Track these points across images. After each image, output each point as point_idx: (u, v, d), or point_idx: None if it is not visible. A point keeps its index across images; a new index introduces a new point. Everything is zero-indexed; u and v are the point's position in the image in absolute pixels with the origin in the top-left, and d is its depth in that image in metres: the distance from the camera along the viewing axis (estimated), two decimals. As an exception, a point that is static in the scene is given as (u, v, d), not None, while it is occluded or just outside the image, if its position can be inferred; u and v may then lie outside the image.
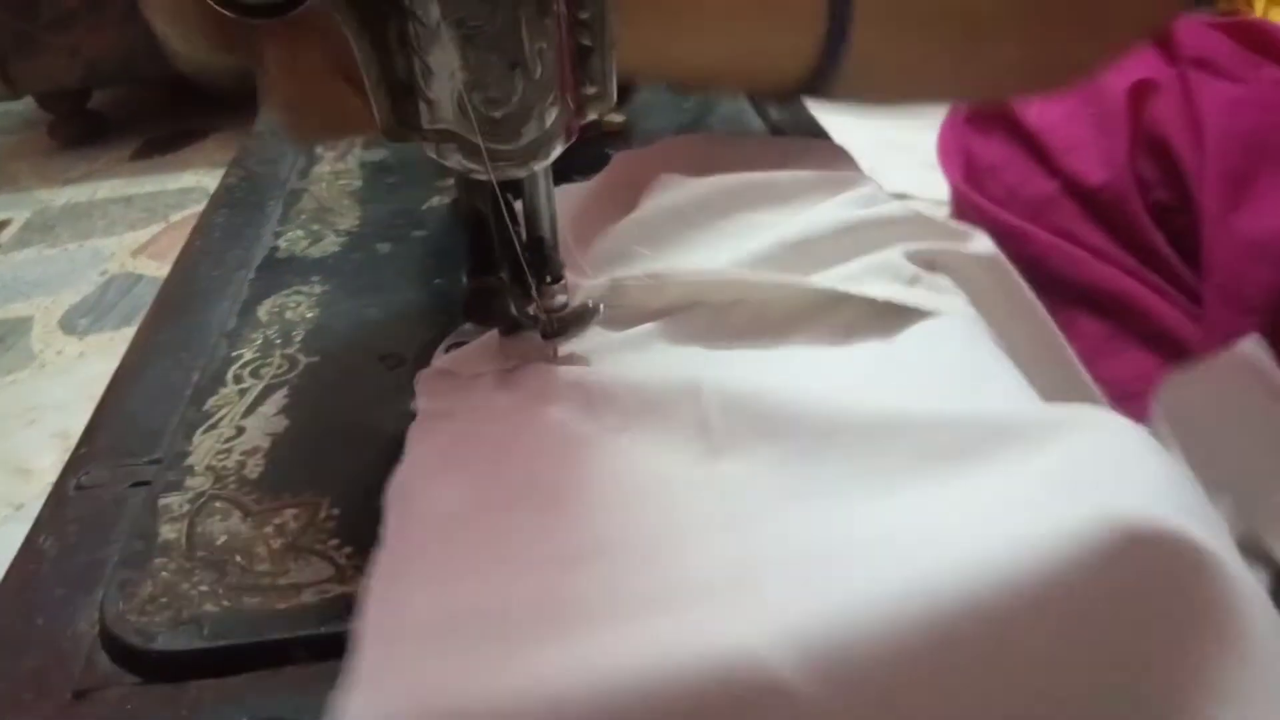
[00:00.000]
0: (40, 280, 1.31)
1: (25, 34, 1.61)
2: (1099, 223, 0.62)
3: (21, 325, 1.20)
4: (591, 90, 0.28)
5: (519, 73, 0.26)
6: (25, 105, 1.84)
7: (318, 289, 0.37)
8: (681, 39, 0.35)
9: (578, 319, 0.30)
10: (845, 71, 0.36)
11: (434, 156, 0.27)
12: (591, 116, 0.28)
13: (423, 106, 0.27)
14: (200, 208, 1.39)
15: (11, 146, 1.82)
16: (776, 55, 0.37)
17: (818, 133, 0.47)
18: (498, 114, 0.26)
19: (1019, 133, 0.67)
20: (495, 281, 0.29)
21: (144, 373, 0.34)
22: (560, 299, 0.30)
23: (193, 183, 1.54)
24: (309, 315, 0.35)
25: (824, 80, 0.37)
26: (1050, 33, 0.37)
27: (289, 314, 0.35)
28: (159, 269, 1.28)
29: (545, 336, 0.30)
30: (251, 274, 0.39)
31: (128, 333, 1.15)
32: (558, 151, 0.27)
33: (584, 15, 0.27)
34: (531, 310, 0.30)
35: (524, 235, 0.29)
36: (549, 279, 0.29)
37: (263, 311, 0.36)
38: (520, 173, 0.27)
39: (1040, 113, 0.66)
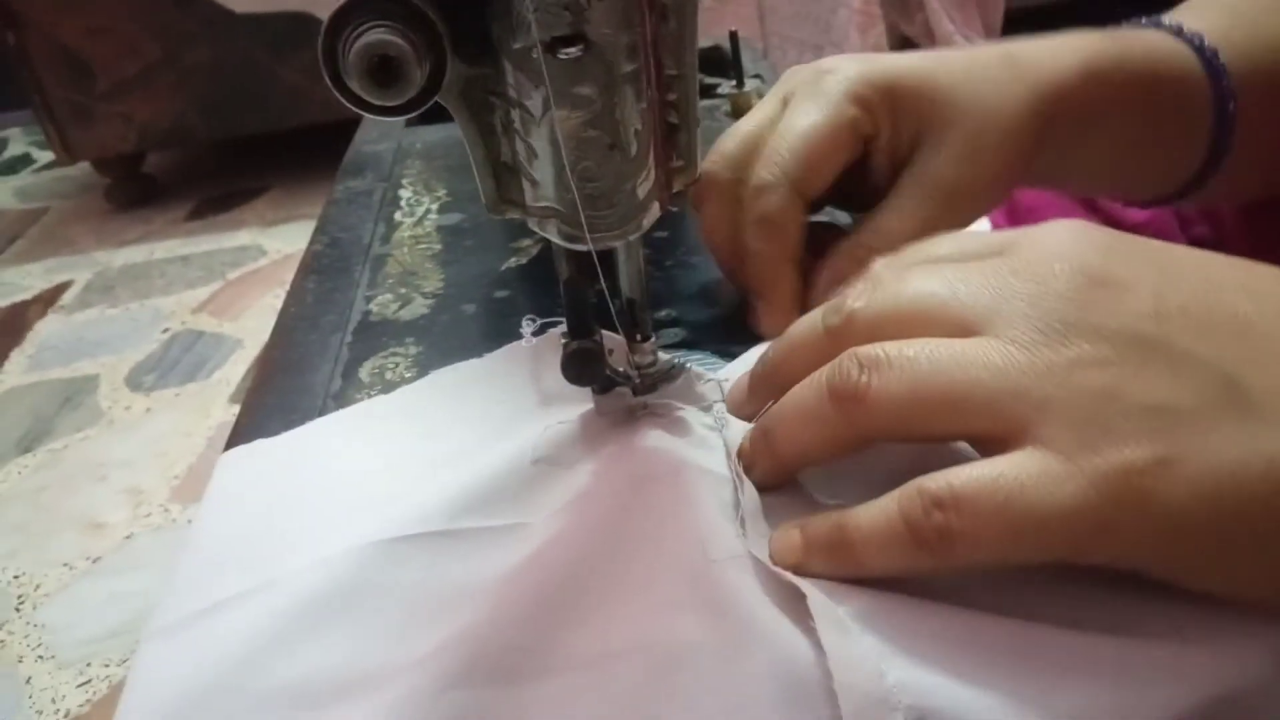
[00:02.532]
0: (103, 339, 1.36)
1: (81, 105, 1.68)
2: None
3: (88, 383, 1.25)
4: (679, 164, 0.30)
5: (616, 152, 0.28)
6: (81, 170, 1.92)
7: (413, 350, 0.39)
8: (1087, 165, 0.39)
9: (665, 376, 0.32)
10: (1217, 181, 0.40)
11: (537, 230, 0.30)
12: (678, 188, 0.31)
13: (525, 185, 0.29)
14: (255, 265, 1.44)
15: (70, 210, 1.90)
16: (1174, 167, 0.40)
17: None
18: (596, 190, 0.28)
19: None
20: (591, 344, 0.31)
21: (254, 438, 0.36)
22: (650, 357, 0.32)
23: (247, 241, 1.60)
24: (408, 375, 0.38)
25: (1199, 189, 0.41)
26: None
27: (389, 374, 0.38)
28: (219, 326, 1.33)
29: (636, 393, 0.32)
30: (348, 337, 0.41)
31: (193, 388, 1.19)
32: (650, 221, 0.30)
33: (672, 97, 0.29)
34: (623, 368, 0.32)
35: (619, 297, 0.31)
36: (639, 338, 0.32)
37: (364, 373, 0.38)
38: (616, 242, 0.30)
39: None
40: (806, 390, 0.26)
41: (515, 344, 0.35)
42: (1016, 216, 0.70)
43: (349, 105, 0.26)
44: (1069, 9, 1.66)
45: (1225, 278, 0.24)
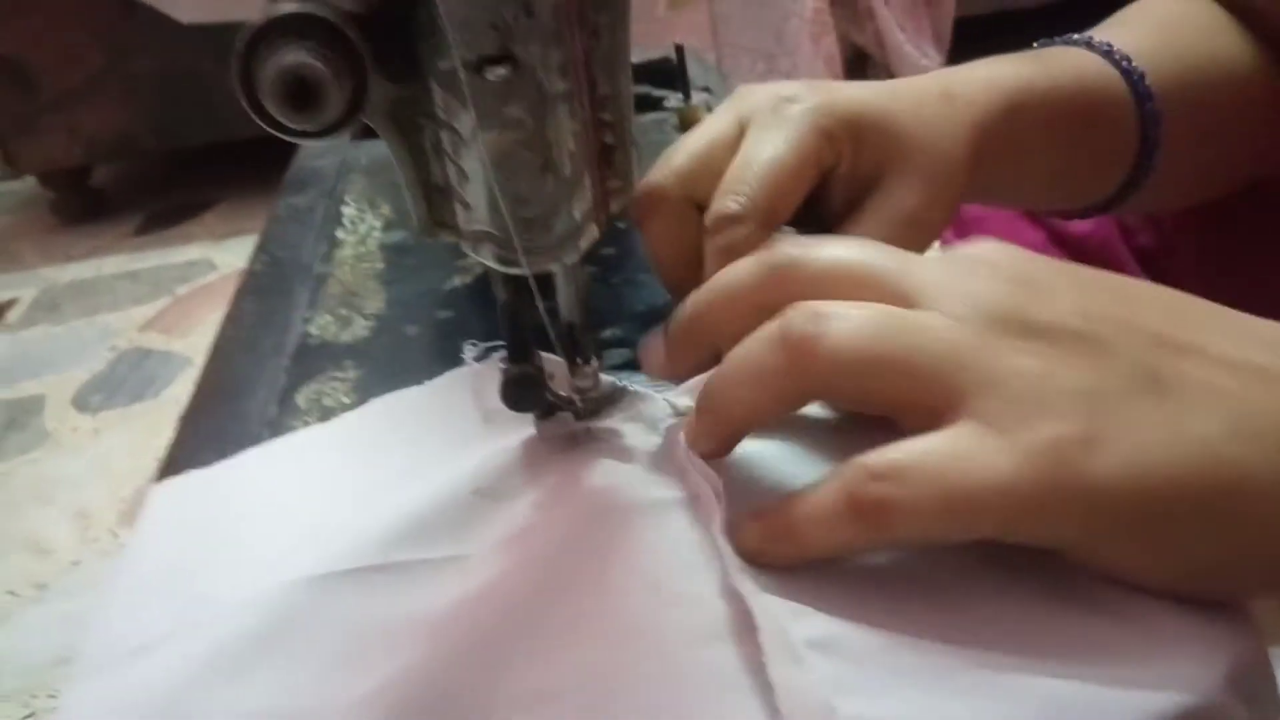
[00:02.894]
0: (49, 358, 1.33)
1: (24, 115, 1.65)
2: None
3: (34, 404, 1.22)
4: (616, 184, 0.30)
5: (549, 175, 0.27)
6: (26, 184, 1.88)
7: (352, 374, 0.38)
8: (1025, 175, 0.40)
9: (608, 399, 0.32)
10: (1139, 194, 0.41)
11: (470, 254, 0.29)
12: (616, 209, 0.30)
13: (458, 208, 0.28)
14: (205, 280, 1.41)
15: (14, 225, 1.85)
16: (1099, 185, 0.42)
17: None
18: (530, 213, 0.28)
19: None
20: (530, 369, 0.30)
21: (187, 467, 0.35)
22: (590, 380, 0.31)
23: (197, 255, 1.57)
24: (345, 401, 0.37)
25: (1119, 203, 0.42)
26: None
27: (326, 400, 0.37)
28: (167, 343, 1.30)
29: (578, 418, 0.31)
30: (286, 361, 0.40)
31: (140, 409, 1.16)
32: (587, 243, 0.29)
33: (606, 116, 0.28)
34: (565, 393, 0.31)
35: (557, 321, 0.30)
36: (580, 361, 0.31)
37: (301, 399, 0.37)
38: (553, 265, 0.29)
39: None
40: (753, 344, 0.26)
41: (457, 370, 0.35)
42: (962, 228, 0.71)
43: (267, 129, 0.25)
44: (1017, 16, 1.68)
45: (1141, 292, 0.26)
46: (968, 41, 1.65)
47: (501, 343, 0.33)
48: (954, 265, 0.26)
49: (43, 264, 1.65)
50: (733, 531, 0.25)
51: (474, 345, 0.34)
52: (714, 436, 0.27)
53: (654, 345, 0.31)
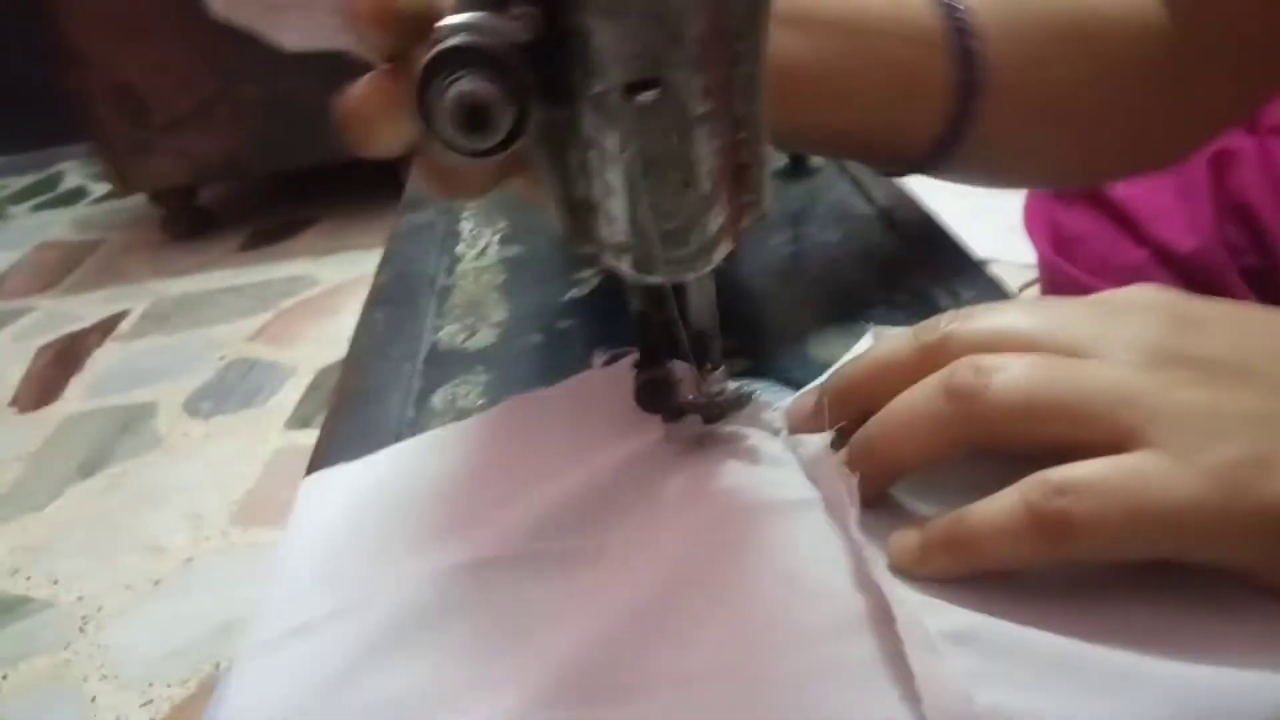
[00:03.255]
0: (160, 367, 1.39)
1: (138, 139, 1.73)
2: (1192, 289, 0.63)
3: (146, 410, 1.28)
4: (749, 199, 0.31)
5: (689, 190, 0.29)
6: (136, 202, 1.97)
7: (483, 378, 0.41)
8: (819, 109, 0.38)
9: (735, 403, 0.33)
10: (965, 150, 0.39)
11: (612, 264, 0.31)
12: (747, 223, 0.32)
13: (601, 221, 0.30)
14: (308, 294, 1.47)
15: (125, 242, 1.95)
16: (904, 130, 0.39)
17: (915, 213, 0.50)
18: (670, 225, 0.30)
19: (1104, 203, 0.69)
20: (662, 373, 0.32)
21: (332, 465, 0.38)
22: (719, 385, 0.33)
23: (299, 271, 1.63)
24: (480, 403, 0.39)
25: (944, 157, 0.40)
26: (1148, 123, 0.40)
27: (461, 402, 0.39)
28: (273, 354, 1.36)
29: (707, 421, 0.33)
30: (419, 366, 0.43)
31: (249, 414, 1.22)
32: (721, 255, 0.31)
33: (743, 135, 0.30)
34: (692, 396, 0.33)
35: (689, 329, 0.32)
36: (709, 367, 0.33)
37: (437, 401, 0.40)
38: (688, 276, 0.31)
39: (1124, 183, 0.69)
40: (917, 393, 0.27)
41: (587, 373, 0.36)
42: (1064, 246, 0.71)
43: (443, 148, 0.27)
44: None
45: None
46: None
47: (628, 349, 0.35)
48: (1107, 314, 0.27)
49: (152, 278, 1.73)
50: (894, 542, 0.26)
51: (603, 352, 0.36)
52: (873, 482, 0.28)
53: (802, 404, 0.33)
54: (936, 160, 0.41)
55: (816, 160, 0.59)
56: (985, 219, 0.88)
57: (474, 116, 0.25)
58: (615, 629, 0.27)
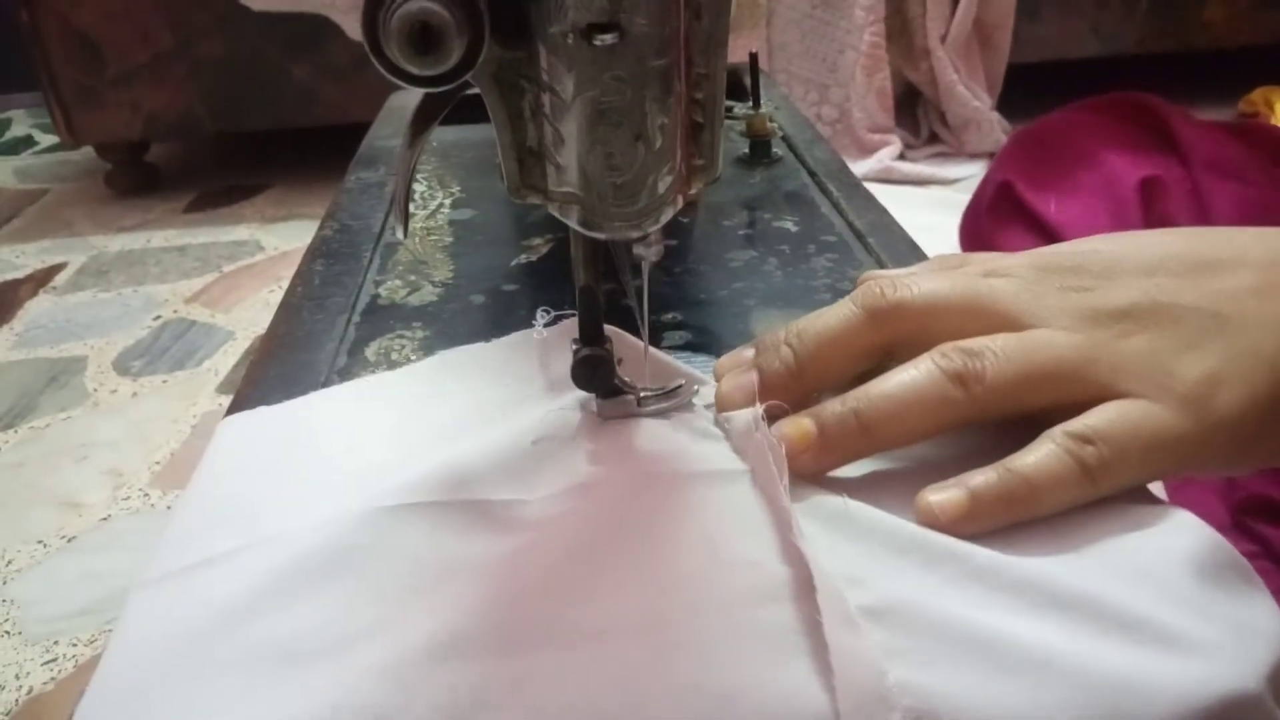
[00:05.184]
0: (94, 322, 1.35)
1: (89, 88, 1.68)
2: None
3: (75, 364, 1.24)
4: (700, 162, 0.31)
5: (641, 144, 0.29)
6: (84, 154, 1.91)
7: (420, 334, 0.40)
8: None
9: (669, 395, 0.33)
10: None
11: (556, 215, 0.30)
12: (697, 186, 0.31)
13: (550, 170, 0.30)
14: (252, 259, 1.43)
15: (69, 193, 1.89)
16: None
17: (873, 218, 0.50)
18: (619, 180, 0.29)
19: (1038, 225, 0.71)
20: (601, 351, 0.31)
21: (255, 407, 0.36)
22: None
23: (245, 236, 1.59)
24: (414, 358, 0.38)
25: None
26: None
27: (394, 355, 0.38)
28: (211, 316, 1.32)
29: (638, 404, 0.32)
30: (356, 318, 0.41)
31: (180, 376, 1.18)
32: (668, 216, 0.30)
33: (699, 95, 0.30)
34: (629, 379, 0.32)
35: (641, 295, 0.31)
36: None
37: (370, 352, 0.38)
38: (634, 233, 0.30)
39: (1059, 207, 0.70)
40: (916, 375, 0.29)
41: (525, 331, 0.36)
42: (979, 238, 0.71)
43: (387, 75, 0.26)
44: (1067, 66, 1.69)
45: (1165, 240, 0.31)
46: (1018, 88, 1.67)
47: (572, 311, 0.34)
48: (1024, 283, 0.31)
49: (93, 232, 1.68)
50: (933, 500, 0.27)
51: (546, 312, 0.35)
52: (859, 452, 0.30)
53: (744, 384, 0.32)
54: None
55: (777, 149, 0.59)
56: (932, 235, 0.89)
57: (424, 38, 0.25)
58: (532, 583, 0.26)
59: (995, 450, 0.28)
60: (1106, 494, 0.27)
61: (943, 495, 0.27)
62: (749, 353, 0.33)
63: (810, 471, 0.29)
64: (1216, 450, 0.28)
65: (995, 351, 0.29)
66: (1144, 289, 0.30)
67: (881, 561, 0.25)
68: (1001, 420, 0.29)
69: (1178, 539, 0.26)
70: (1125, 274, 0.30)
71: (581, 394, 0.33)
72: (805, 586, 0.24)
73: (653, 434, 0.32)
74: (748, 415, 0.30)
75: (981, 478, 0.27)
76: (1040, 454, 0.27)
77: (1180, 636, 0.23)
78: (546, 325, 0.36)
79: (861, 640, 0.23)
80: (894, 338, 0.31)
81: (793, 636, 0.24)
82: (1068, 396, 0.28)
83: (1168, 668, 0.22)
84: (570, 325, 0.34)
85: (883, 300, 0.31)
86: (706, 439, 0.32)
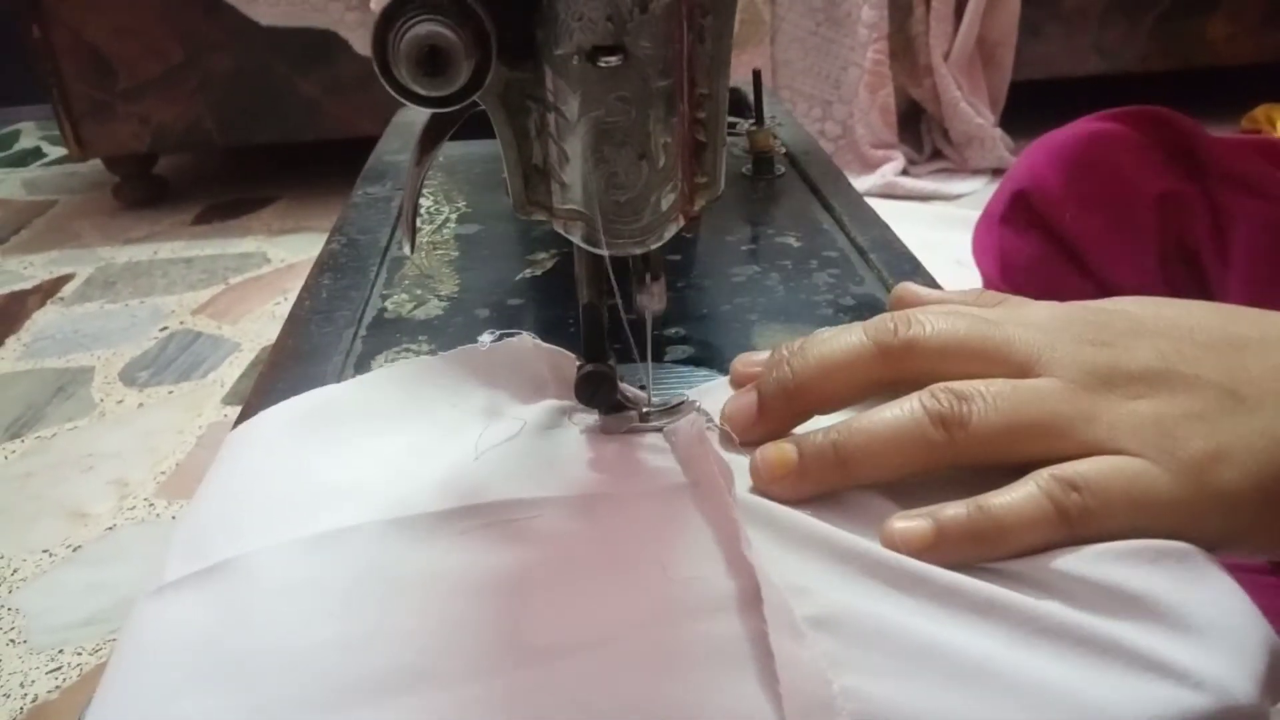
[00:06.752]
0: (101, 333, 1.36)
1: (99, 101, 1.70)
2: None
3: (82, 375, 1.25)
4: (702, 180, 0.31)
5: (645, 163, 0.29)
6: (92, 167, 1.93)
7: (425, 347, 0.40)
8: None
9: (671, 411, 0.33)
10: None
11: (560, 231, 0.31)
12: (700, 204, 0.32)
13: (555, 188, 0.30)
14: (259, 271, 1.44)
15: (77, 205, 1.90)
16: None
17: (876, 234, 0.51)
18: (622, 198, 0.29)
19: (1054, 235, 0.70)
20: (605, 368, 0.32)
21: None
22: (657, 301, 0.32)
23: (252, 248, 1.60)
24: (419, 370, 0.38)
25: None
26: None
27: (401, 368, 0.39)
28: (217, 328, 1.33)
29: (641, 419, 0.33)
30: (363, 331, 0.42)
31: (186, 387, 1.19)
32: (671, 233, 0.31)
33: (701, 114, 0.30)
34: (632, 395, 0.33)
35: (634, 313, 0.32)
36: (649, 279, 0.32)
37: (376, 365, 0.39)
38: (636, 250, 0.31)
39: (1075, 218, 0.70)
40: (900, 414, 0.29)
41: (470, 347, 0.35)
42: (1009, 273, 0.72)
43: (396, 96, 0.27)
44: (1070, 84, 1.69)
45: (1194, 313, 0.31)
46: (1021, 105, 1.67)
47: (516, 331, 0.34)
48: (1042, 332, 0.30)
49: (101, 244, 1.69)
50: (897, 529, 0.27)
51: (492, 333, 0.35)
52: (833, 485, 0.29)
53: (744, 405, 0.32)
54: None
55: (780, 165, 0.59)
56: (935, 251, 0.89)
57: (432, 60, 0.25)
58: (477, 605, 0.26)
59: (975, 480, 0.28)
60: (1081, 543, 0.26)
61: (908, 524, 0.27)
62: (760, 355, 0.34)
63: (787, 499, 0.29)
64: (1210, 524, 0.26)
65: (985, 397, 0.28)
66: (1164, 355, 0.29)
67: (827, 571, 0.26)
68: (985, 467, 0.28)
69: (1136, 544, 0.26)
70: (1149, 337, 0.29)
71: (523, 412, 0.33)
72: (752, 598, 0.25)
73: (601, 450, 0.32)
74: (689, 427, 0.31)
75: (952, 511, 0.27)
76: (1018, 495, 0.27)
77: (1147, 654, 0.23)
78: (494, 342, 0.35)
79: (807, 649, 0.23)
80: (901, 375, 0.30)
81: (739, 647, 0.24)
82: (1056, 452, 0.27)
83: (1122, 683, 0.23)
84: (523, 340, 0.34)
85: (894, 338, 0.30)
86: (656, 453, 0.32)
